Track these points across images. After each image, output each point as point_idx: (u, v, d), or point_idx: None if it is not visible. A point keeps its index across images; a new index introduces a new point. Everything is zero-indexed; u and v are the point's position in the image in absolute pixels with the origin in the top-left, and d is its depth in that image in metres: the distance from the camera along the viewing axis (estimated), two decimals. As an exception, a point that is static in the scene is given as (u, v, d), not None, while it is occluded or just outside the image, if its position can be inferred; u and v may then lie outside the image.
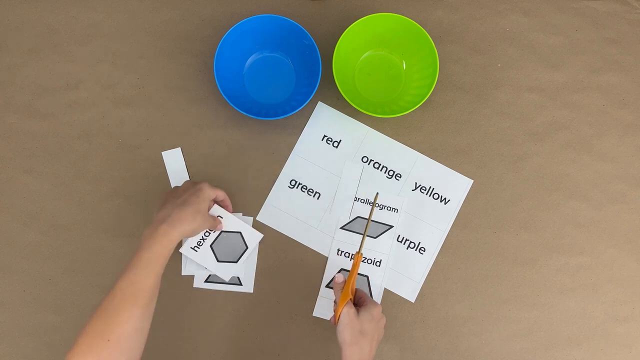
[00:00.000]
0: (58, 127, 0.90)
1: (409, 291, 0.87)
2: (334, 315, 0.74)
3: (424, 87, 0.86)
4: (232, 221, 0.86)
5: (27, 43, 0.91)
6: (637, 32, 0.93)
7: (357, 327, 0.72)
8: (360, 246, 0.80)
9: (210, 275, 0.87)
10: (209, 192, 0.79)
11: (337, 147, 0.90)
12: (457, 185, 0.90)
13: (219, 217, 0.85)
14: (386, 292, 0.88)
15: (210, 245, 0.86)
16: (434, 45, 0.85)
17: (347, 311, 0.72)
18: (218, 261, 0.86)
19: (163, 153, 0.89)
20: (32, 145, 0.90)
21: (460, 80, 0.92)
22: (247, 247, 0.86)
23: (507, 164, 0.90)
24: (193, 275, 0.87)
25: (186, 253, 0.85)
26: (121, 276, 0.69)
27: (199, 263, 0.86)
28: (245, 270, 0.87)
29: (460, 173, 0.90)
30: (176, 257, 0.87)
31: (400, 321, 0.87)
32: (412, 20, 0.86)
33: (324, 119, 0.91)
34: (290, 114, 0.84)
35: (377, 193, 0.87)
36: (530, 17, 0.93)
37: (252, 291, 0.87)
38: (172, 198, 0.77)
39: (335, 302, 0.76)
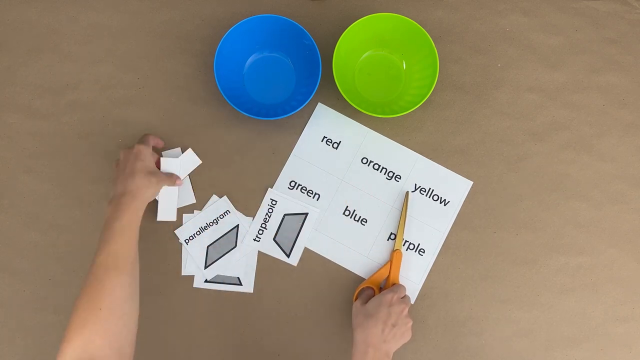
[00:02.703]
0: (58, 127, 0.90)
1: (408, 293, 0.87)
2: None
3: (424, 87, 0.86)
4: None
5: (27, 43, 0.91)
6: (637, 32, 0.93)
7: (363, 312, 0.80)
8: (397, 242, 0.86)
9: (212, 276, 0.87)
10: (146, 151, 0.81)
11: (336, 148, 0.90)
12: (456, 187, 0.90)
13: (174, 174, 0.86)
14: (386, 292, 0.88)
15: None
16: (434, 45, 0.85)
17: (355, 303, 0.83)
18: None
19: (163, 153, 0.89)
20: (32, 145, 0.90)
21: (460, 80, 0.92)
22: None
23: (507, 164, 0.90)
24: (193, 276, 0.87)
25: (190, 250, 0.87)
26: (98, 251, 0.70)
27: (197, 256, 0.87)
28: (245, 270, 0.87)
29: (460, 173, 0.90)
30: (176, 256, 0.87)
31: (400, 321, 0.87)
32: (412, 20, 0.85)
33: (323, 120, 0.90)
34: (290, 114, 0.84)
35: (408, 192, 0.88)
36: (530, 17, 0.93)
37: (252, 291, 0.87)
38: (121, 173, 0.79)
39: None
